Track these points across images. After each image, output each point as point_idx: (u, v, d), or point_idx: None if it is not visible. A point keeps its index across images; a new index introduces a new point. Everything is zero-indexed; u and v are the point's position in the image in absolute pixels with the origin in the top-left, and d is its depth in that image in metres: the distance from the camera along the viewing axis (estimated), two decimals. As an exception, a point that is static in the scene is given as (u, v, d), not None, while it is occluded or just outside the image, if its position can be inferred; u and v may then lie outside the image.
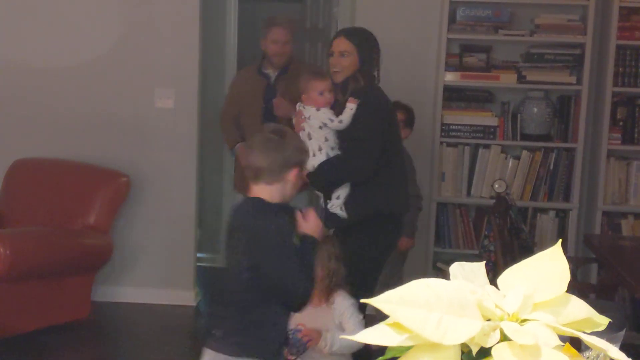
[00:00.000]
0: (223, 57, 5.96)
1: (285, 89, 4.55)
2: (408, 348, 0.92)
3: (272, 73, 4.69)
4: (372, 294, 3.55)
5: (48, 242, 4.55)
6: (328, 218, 3.62)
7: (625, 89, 4.92)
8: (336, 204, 3.66)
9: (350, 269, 3.45)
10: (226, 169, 6.14)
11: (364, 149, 3.63)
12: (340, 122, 3.66)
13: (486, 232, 4.36)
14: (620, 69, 4.88)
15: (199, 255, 5.54)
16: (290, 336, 2.97)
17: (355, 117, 3.63)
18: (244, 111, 4.71)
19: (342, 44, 3.71)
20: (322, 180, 3.71)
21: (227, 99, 4.98)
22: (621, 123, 4.97)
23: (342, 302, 3.07)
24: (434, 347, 0.90)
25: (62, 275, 4.64)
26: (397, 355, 0.94)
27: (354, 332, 3.06)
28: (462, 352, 0.91)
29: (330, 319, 3.05)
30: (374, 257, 3.69)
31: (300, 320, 3.03)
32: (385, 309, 0.91)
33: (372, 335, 0.93)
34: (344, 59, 3.68)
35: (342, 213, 3.64)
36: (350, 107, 3.63)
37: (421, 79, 5.09)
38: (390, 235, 3.75)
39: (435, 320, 0.89)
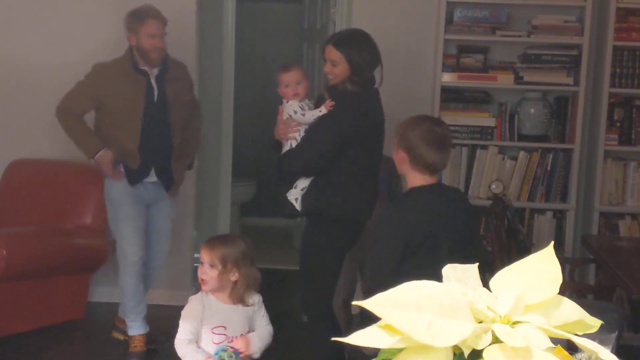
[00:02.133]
0: (220, 57, 5.96)
1: (174, 91, 4.34)
2: (400, 350, 0.92)
3: (149, 71, 4.31)
4: (318, 291, 3.57)
5: (44, 242, 4.55)
6: (286, 205, 3.73)
7: (622, 90, 4.92)
8: (293, 193, 3.70)
9: (300, 263, 3.77)
10: (223, 169, 6.14)
11: (305, 148, 3.69)
12: (303, 115, 3.70)
13: (484, 233, 4.36)
14: (617, 70, 4.88)
15: (196, 255, 5.53)
16: (219, 354, 3.01)
17: (321, 119, 3.66)
18: (118, 110, 4.29)
19: (331, 54, 3.68)
20: (279, 170, 3.79)
21: (83, 92, 4.35)
22: (618, 124, 4.97)
23: (257, 302, 3.13)
24: (425, 349, 0.90)
25: (59, 275, 4.65)
26: (389, 357, 0.94)
27: (264, 330, 3.10)
28: (454, 354, 0.91)
29: (245, 319, 3.10)
30: (319, 256, 3.72)
31: (218, 322, 3.06)
32: (376, 311, 0.91)
33: (364, 337, 0.93)
34: (335, 68, 3.66)
35: (296, 204, 3.69)
36: (320, 109, 3.67)
37: (418, 80, 5.09)
38: (336, 238, 3.69)
39: (426, 322, 0.89)
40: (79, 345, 4.66)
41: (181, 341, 3.08)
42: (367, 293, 3.16)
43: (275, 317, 5.23)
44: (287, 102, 3.77)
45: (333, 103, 3.62)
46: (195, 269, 5.41)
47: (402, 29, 5.08)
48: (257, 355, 3.10)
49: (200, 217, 5.65)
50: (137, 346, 4.45)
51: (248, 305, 3.12)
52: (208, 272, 3.07)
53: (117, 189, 4.39)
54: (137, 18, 4.27)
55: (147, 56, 4.27)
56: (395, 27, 5.03)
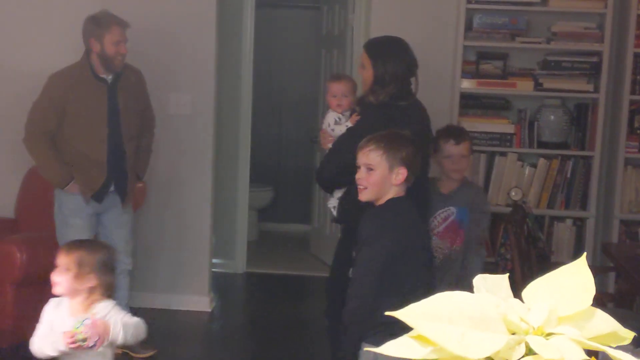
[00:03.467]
0: (239, 63, 5.97)
1: (126, 98, 4.26)
2: (432, 361, 0.92)
3: (107, 78, 4.24)
4: (342, 299, 3.51)
5: (64, 247, 4.57)
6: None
7: (642, 97, 4.90)
8: (331, 201, 3.74)
9: (330, 269, 3.93)
10: (241, 174, 6.15)
11: (326, 160, 3.73)
12: (332, 130, 3.75)
13: (503, 241, 4.34)
14: (638, 77, 4.85)
15: (214, 260, 5.54)
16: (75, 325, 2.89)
17: (345, 131, 3.67)
18: (82, 119, 4.18)
19: (362, 56, 3.71)
20: (316, 177, 3.89)
21: (46, 106, 4.21)
22: (638, 131, 4.94)
23: (109, 309, 2.98)
24: (458, 360, 0.89)
25: (78, 281, 4.65)
26: (421, 368, 0.94)
27: (128, 321, 2.91)
28: (487, 366, 0.91)
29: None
30: (346, 265, 3.65)
31: (61, 330, 2.96)
32: (409, 322, 0.91)
33: (396, 348, 0.92)
34: (363, 71, 3.66)
35: (334, 211, 3.72)
36: (347, 124, 3.69)
37: (437, 86, 5.07)
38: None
39: (459, 334, 0.89)
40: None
41: (33, 340, 3.04)
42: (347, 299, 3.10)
43: (291, 323, 5.27)
44: (328, 112, 3.80)
45: (358, 117, 3.63)
46: (213, 275, 5.44)
47: (421, 34, 5.06)
48: (120, 342, 2.99)
49: (218, 223, 5.66)
50: None
51: (92, 313, 2.95)
52: (61, 275, 2.99)
53: (71, 201, 4.24)
54: (101, 25, 4.18)
55: (111, 62, 4.19)
56: (414, 33, 5.00)
